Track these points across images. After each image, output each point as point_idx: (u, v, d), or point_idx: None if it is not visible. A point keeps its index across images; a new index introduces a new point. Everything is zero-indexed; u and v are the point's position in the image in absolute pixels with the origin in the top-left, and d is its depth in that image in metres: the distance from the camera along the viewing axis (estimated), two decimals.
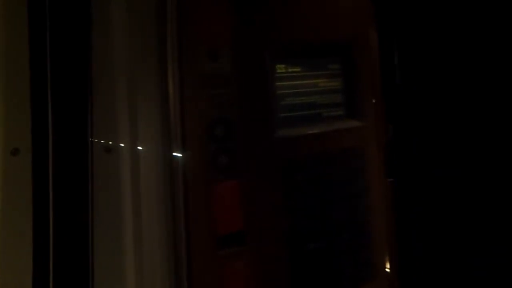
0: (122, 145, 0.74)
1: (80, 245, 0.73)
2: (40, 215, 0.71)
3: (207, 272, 0.70)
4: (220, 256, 0.71)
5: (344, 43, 0.85)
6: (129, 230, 0.73)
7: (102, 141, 0.75)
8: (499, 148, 0.85)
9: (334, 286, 0.81)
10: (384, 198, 0.89)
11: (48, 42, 0.71)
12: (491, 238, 0.86)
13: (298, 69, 0.81)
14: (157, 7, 0.71)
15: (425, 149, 0.95)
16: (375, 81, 0.89)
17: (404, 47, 0.96)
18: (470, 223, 0.89)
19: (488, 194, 0.87)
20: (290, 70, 0.80)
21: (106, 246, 0.75)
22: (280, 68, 0.79)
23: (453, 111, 0.91)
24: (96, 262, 0.74)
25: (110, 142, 0.74)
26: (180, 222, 0.69)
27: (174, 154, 0.70)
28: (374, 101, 0.88)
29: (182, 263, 0.69)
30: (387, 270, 0.88)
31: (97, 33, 0.76)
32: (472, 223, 0.88)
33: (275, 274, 0.76)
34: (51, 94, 0.71)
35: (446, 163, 0.92)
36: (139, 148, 0.73)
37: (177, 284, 0.69)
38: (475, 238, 0.88)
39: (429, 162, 0.94)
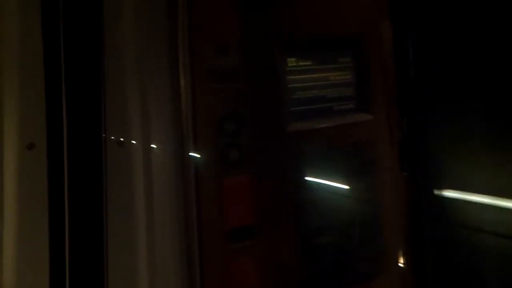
0: (134, 140, 0.75)
1: (94, 236, 0.75)
2: (56, 207, 0.73)
3: (219, 265, 0.71)
4: (231, 249, 0.72)
5: (356, 36, 0.84)
6: (141, 223, 0.74)
7: (114, 136, 0.76)
8: None
9: (345, 280, 0.81)
10: (397, 192, 0.88)
11: (62, 39, 0.72)
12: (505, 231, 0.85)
13: (309, 63, 0.81)
14: (168, 2, 0.72)
15: (439, 142, 0.93)
16: (388, 74, 0.88)
17: (419, 40, 0.95)
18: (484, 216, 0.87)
19: (502, 188, 0.85)
20: (300, 63, 0.80)
21: (119, 239, 0.77)
22: (291, 62, 0.79)
23: (468, 105, 0.89)
24: (110, 254, 0.76)
25: (123, 138, 0.76)
26: (191, 215, 0.70)
27: (185, 148, 0.70)
28: (387, 94, 0.87)
29: (194, 256, 0.69)
30: (401, 264, 0.88)
31: (109, 31, 0.77)
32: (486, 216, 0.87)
33: (286, 268, 0.76)
34: (66, 90, 0.73)
35: (461, 157, 0.91)
36: (151, 142, 0.74)
37: (190, 277, 0.70)
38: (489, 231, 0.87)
39: (443, 156, 0.93)
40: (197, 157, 0.70)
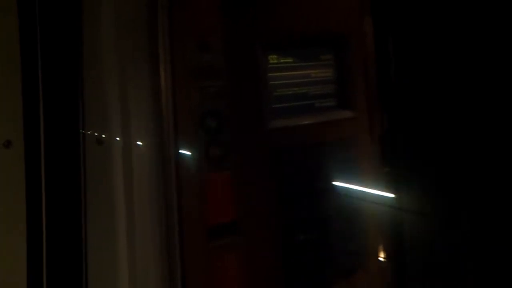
0: (114, 137, 0.74)
1: (73, 234, 0.74)
2: (33, 205, 0.72)
3: (200, 262, 0.71)
4: (212, 246, 0.71)
5: (337, 34, 0.85)
6: (122, 220, 0.73)
7: (94, 133, 0.75)
8: (495, 140, 0.85)
9: (326, 276, 0.81)
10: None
11: (39, 34, 0.71)
12: (488, 230, 0.86)
13: (291, 60, 0.81)
14: (149, 0, 0.71)
15: (421, 139, 0.94)
16: (369, 71, 0.88)
17: (400, 38, 0.95)
18: (466, 213, 0.89)
19: (484, 185, 0.86)
20: (282, 61, 0.80)
21: (99, 236, 0.76)
22: (272, 59, 0.79)
23: (449, 102, 0.90)
24: (90, 251, 0.75)
25: (103, 135, 0.75)
26: (172, 212, 0.69)
27: (166, 145, 0.70)
28: (368, 91, 0.88)
29: (175, 253, 0.69)
30: (381, 259, 0.88)
31: (88, 27, 0.76)
32: (469, 213, 0.88)
33: (267, 264, 0.76)
34: (43, 86, 0.72)
35: (442, 153, 0.92)
36: (131, 140, 0.73)
37: (171, 273, 0.70)
38: (471, 229, 0.88)
39: (425, 152, 0.94)
40: (179, 154, 0.70)
